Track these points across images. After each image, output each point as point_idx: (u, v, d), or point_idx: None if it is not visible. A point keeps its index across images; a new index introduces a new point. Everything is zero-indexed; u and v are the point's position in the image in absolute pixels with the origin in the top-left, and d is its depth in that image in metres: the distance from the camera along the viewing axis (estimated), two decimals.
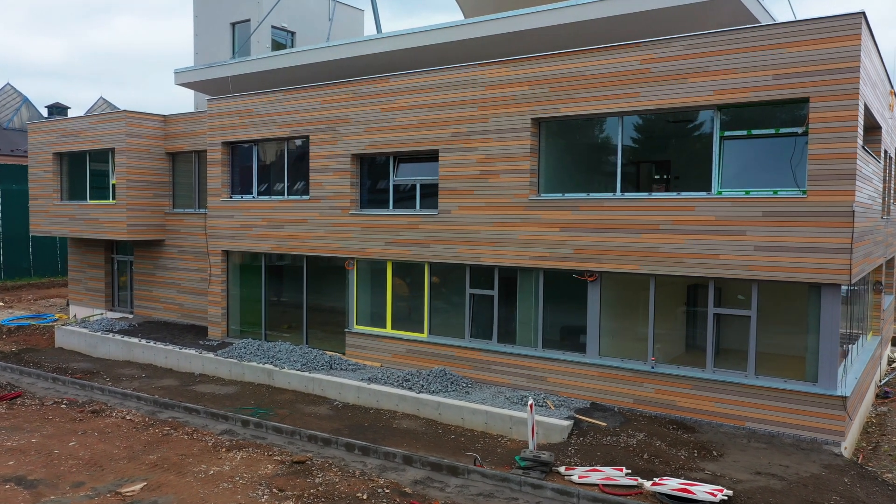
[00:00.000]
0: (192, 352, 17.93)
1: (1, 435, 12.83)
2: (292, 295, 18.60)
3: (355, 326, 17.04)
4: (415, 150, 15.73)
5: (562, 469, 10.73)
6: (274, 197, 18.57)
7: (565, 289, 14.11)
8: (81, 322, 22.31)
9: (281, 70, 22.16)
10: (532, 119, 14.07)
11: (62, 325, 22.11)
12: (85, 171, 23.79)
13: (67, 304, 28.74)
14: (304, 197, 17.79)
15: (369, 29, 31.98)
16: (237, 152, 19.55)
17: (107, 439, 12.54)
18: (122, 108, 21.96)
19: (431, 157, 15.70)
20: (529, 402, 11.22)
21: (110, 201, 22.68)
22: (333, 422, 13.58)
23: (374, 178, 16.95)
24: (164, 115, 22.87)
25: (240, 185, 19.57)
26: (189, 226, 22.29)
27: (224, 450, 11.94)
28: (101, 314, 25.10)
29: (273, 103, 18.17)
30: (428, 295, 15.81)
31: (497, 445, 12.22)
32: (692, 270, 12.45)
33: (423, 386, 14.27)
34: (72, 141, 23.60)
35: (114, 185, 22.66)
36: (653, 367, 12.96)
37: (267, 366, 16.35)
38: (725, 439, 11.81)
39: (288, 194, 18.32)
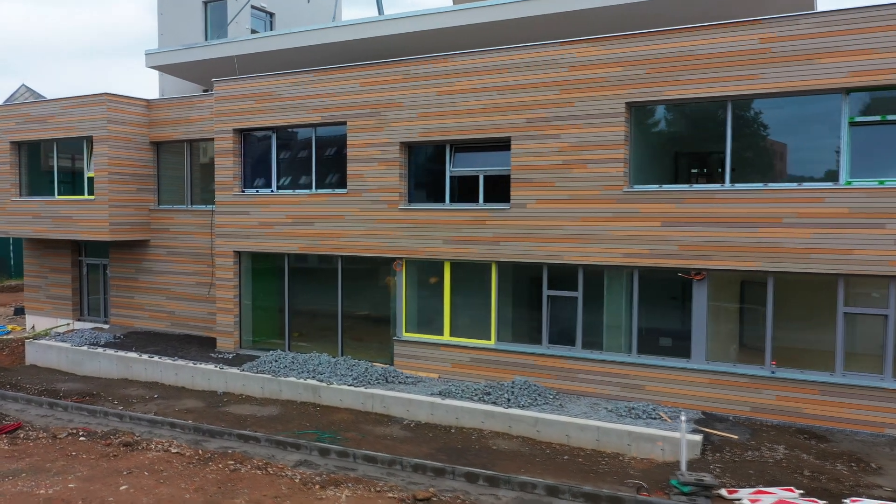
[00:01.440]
0: (212, 367, 15.73)
1: (25, 480, 10.50)
2: (323, 300, 16.66)
3: (405, 334, 15.33)
4: (480, 137, 14.19)
5: (723, 491, 9.55)
6: (300, 190, 16.56)
7: (664, 288, 12.97)
8: (57, 335, 19.51)
9: (277, 52, 20.12)
10: (626, 103, 12.82)
11: (34, 338, 19.25)
12: (52, 163, 20.88)
13: (17, 313, 25.48)
14: (340, 190, 15.90)
15: (345, 14, 30.02)
16: (251, 140, 17.40)
17: (165, 480, 10.43)
18: (96, 92, 19.32)
19: (500, 145, 14.21)
20: (682, 418, 9.97)
21: (86, 197, 19.94)
22: (417, 445, 11.91)
23: (424, 169, 15.30)
24: (147, 100, 20.31)
25: (255, 177, 17.43)
26: (180, 224, 19.87)
27: (318, 487, 10.10)
28: (68, 324, 22.23)
29: (300, 85, 16.18)
30: (496, 298, 14.32)
31: (623, 466, 10.92)
32: (819, 267, 11.53)
33: (509, 400, 12.79)
34: (36, 128, 20.65)
35: (90, 178, 19.95)
36: (773, 372, 11.97)
37: (310, 381, 14.43)
38: (868, 448, 10.94)
39: (317, 187, 16.37)
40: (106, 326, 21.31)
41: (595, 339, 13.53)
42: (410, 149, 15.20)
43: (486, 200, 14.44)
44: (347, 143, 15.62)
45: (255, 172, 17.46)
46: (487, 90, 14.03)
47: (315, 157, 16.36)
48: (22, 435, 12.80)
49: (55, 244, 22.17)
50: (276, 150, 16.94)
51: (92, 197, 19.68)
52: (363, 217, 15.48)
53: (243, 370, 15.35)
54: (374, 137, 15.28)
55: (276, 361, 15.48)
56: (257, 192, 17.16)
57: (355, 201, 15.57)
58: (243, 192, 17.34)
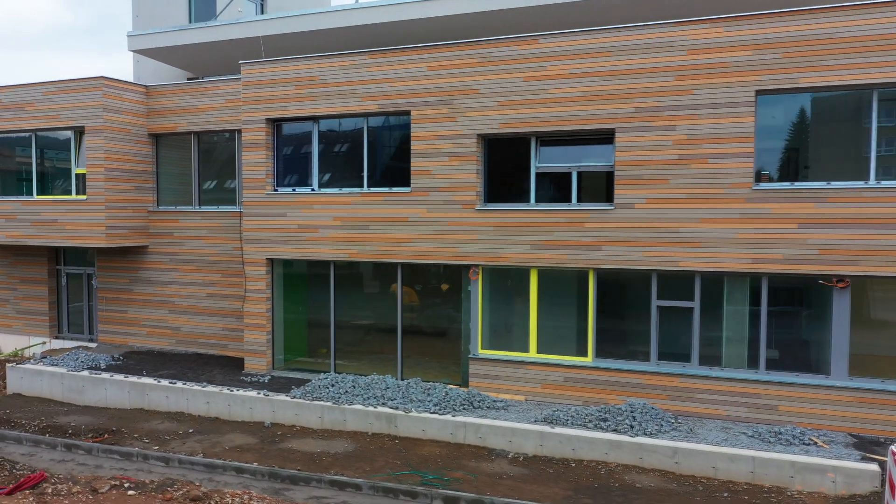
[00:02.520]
0: (253, 394, 13.54)
1: None
2: (376, 314, 14.69)
3: (481, 351, 13.56)
4: (575, 129, 12.59)
5: None
6: (348, 189, 14.53)
7: (797, 297, 11.69)
8: (43, 357, 16.72)
9: (298, 35, 18.01)
10: (756, 91, 11.48)
11: (17, 362, 16.43)
12: (30, 158, 18.03)
13: None
14: (401, 189, 13.98)
15: None
16: (285, 132, 15.24)
17: None
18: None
19: (598, 138, 12.66)
20: (892, 449, 8.63)
21: (75, 197, 17.25)
22: (545, 484, 10.21)
23: (501, 164, 13.58)
24: (145, 86, 17.77)
25: (289, 174, 15.28)
26: (187, 227, 17.45)
27: None
28: (43, 343, 19.35)
29: (351, 68, 14.16)
30: (594, 309, 12.75)
31: (795, 502, 9.53)
32: None
33: (632, 426, 11.24)
34: (10, 117, 17.77)
35: (80, 175, 17.26)
36: None
37: (383, 409, 12.49)
38: None
39: (369, 185, 14.39)
40: (93, 345, 18.60)
41: (712, 354, 12.15)
42: (487, 142, 13.45)
43: (579, 200, 12.85)
44: (411, 135, 13.72)
45: (289, 169, 15.31)
46: (586, 76, 12.44)
47: (367, 152, 14.37)
48: (50, 490, 10.35)
49: (28, 251, 19.25)
50: (318, 142, 14.84)
51: (83, 197, 17.00)
52: (431, 219, 13.62)
53: (295, 397, 13.24)
54: (445, 129, 13.45)
55: (333, 386, 13.42)
56: (294, 190, 15.01)
57: (421, 201, 13.70)
58: (276, 190, 15.16)
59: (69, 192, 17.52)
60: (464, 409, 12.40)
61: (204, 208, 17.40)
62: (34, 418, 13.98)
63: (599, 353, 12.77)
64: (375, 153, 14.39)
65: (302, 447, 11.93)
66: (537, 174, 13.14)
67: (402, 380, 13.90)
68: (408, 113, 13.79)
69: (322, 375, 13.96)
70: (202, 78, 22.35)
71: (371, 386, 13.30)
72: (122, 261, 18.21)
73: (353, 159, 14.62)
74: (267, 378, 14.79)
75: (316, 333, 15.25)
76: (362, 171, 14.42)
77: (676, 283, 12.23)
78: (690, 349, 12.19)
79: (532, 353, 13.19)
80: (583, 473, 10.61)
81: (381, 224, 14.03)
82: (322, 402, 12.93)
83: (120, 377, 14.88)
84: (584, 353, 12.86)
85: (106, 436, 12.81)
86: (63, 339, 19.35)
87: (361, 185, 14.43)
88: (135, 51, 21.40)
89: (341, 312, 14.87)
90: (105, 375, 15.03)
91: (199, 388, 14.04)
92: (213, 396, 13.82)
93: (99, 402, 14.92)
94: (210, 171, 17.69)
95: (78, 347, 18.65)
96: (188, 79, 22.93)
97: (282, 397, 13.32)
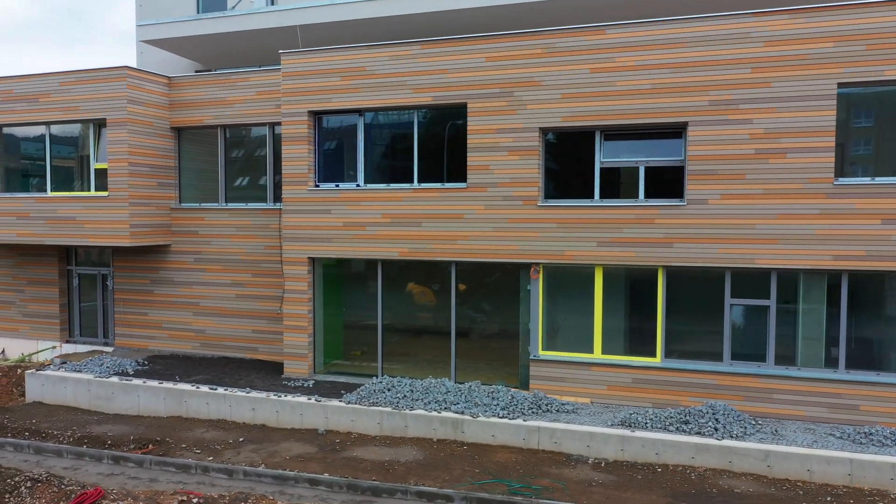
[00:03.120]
0: (303, 399, 12.89)
1: None
2: (426, 314, 14.14)
3: (541, 352, 13.10)
4: (644, 122, 12.21)
5: None
6: (396, 185, 13.94)
7: (876, 294, 11.46)
8: (65, 364, 15.81)
9: (338, 24, 17.38)
10: (838, 84, 11.22)
11: (36, 369, 15.49)
12: (44, 152, 17.07)
13: None
14: (456, 185, 13.45)
15: None
16: (325, 125, 14.59)
17: None
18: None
19: (666, 131, 12.29)
20: None
21: (95, 193, 16.36)
22: (639, 491, 9.79)
23: (561, 159, 13.14)
24: (168, 77, 16.94)
25: (331, 169, 14.64)
26: (212, 225, 16.67)
27: None
28: (54, 348, 18.38)
29: (402, 59, 13.59)
30: (662, 309, 12.37)
31: None
32: None
33: (716, 429, 10.88)
34: (22, 109, 16.80)
35: (99, 170, 16.39)
36: None
37: (448, 414, 11.95)
38: None
39: (420, 181, 13.83)
40: (109, 349, 17.70)
41: (788, 353, 11.87)
42: (547, 135, 12.98)
43: (646, 196, 12.47)
44: (468, 128, 13.20)
45: (331, 164, 14.67)
46: (656, 67, 12.06)
47: (417, 146, 13.80)
48: None
49: (36, 250, 18.25)
50: (365, 136, 14.23)
51: (105, 193, 16.12)
52: (489, 216, 13.12)
53: (350, 402, 12.63)
54: (504, 122, 12.96)
55: (389, 390, 12.84)
56: (337, 186, 14.38)
57: (479, 197, 13.18)
58: (317, 186, 14.50)
59: (87, 189, 16.61)
60: (532, 412, 11.93)
61: (231, 205, 16.64)
62: (65, 428, 13.14)
63: (668, 354, 12.40)
64: (426, 147, 13.83)
65: (368, 455, 11.33)
66: (601, 169, 12.72)
67: (457, 383, 13.36)
68: (464, 106, 13.26)
69: (377, 379, 13.36)
70: (213, 70, 21.53)
71: (429, 390, 12.74)
72: (142, 260, 17.35)
73: (401, 154, 14.04)
74: (310, 382, 14.13)
75: (360, 335, 14.64)
76: (412, 167, 13.85)
77: (751, 280, 11.92)
78: (765, 348, 11.89)
79: (596, 354, 12.78)
80: (673, 479, 10.22)
81: (435, 221, 13.49)
82: (381, 408, 12.34)
83: (154, 383, 14.09)
84: (653, 354, 12.48)
85: (151, 447, 12.05)
86: (75, 343, 18.40)
87: (411, 181, 13.86)
88: (145, 41, 20.51)
89: (389, 314, 14.28)
90: (137, 381, 14.22)
91: (243, 394, 13.34)
92: (259, 403, 13.13)
93: (130, 410, 14.12)
94: (238, 167, 16.94)
95: (92, 352, 17.75)
96: (196, 71, 22.08)
97: (335, 403, 12.70)
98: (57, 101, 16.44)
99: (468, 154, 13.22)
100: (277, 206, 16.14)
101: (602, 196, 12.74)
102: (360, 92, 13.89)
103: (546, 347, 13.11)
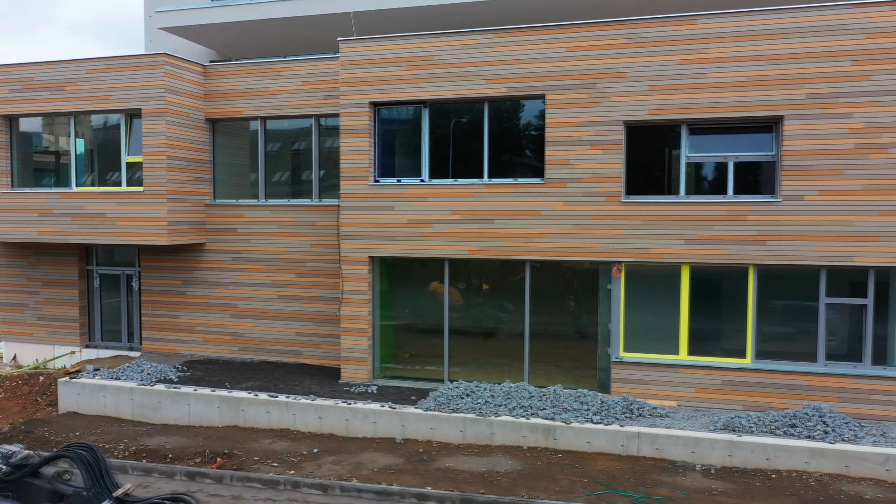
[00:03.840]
0: (375, 406, 12.20)
1: None
2: (497, 316, 13.56)
3: (623, 354, 12.63)
4: (735, 116, 11.82)
5: None
6: (464, 180, 13.31)
7: None
8: (97, 370, 14.78)
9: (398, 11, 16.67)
10: None
11: (70, 377, 14.42)
12: (71, 144, 15.97)
13: None
14: (532, 180, 12.89)
15: None
16: (384, 117, 13.88)
17: None
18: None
19: (757, 126, 11.93)
20: None
21: (127, 188, 15.35)
22: (766, 500, 9.38)
23: (644, 153, 12.69)
24: (203, 65, 16.00)
25: (391, 163, 13.95)
26: (252, 223, 15.81)
27: None
28: (73, 353, 17.27)
29: (473, 48, 12.96)
30: (753, 308, 12.01)
31: None
32: None
33: (825, 432, 10.55)
34: (46, 98, 15.67)
35: (131, 164, 15.39)
36: None
37: (538, 420, 11.39)
38: None
39: (490, 176, 13.22)
40: (135, 354, 16.68)
41: (883, 353, 11.61)
42: (634, 129, 12.51)
43: (735, 192, 12.09)
44: (546, 121, 12.64)
45: (391, 158, 13.97)
46: (749, 59, 11.68)
47: (488, 139, 13.19)
48: None
49: (53, 249, 17.10)
50: (430, 129, 13.55)
51: (140, 188, 15.12)
52: (569, 212, 12.59)
53: (429, 409, 11.97)
54: (586, 115, 12.44)
55: (469, 396, 12.22)
56: (399, 181, 13.68)
57: (558, 193, 12.64)
58: (377, 181, 13.79)
59: (119, 184, 15.57)
60: (626, 417, 11.46)
61: (272, 202, 15.79)
62: (114, 441, 12.21)
63: (759, 355, 12.04)
64: (496, 141, 13.22)
65: (461, 466, 10.70)
66: (687, 164, 12.29)
67: (538, 387, 12.79)
68: (541, 97, 12.70)
69: (452, 384, 12.73)
70: (234, 60, 20.57)
71: (511, 395, 12.17)
72: (174, 260, 16.37)
73: (469, 147, 13.41)
74: (373, 388, 13.42)
75: (427, 338, 13.98)
76: (482, 161, 13.22)
77: (848, 279, 11.63)
78: (862, 348, 11.61)
79: (682, 356, 12.36)
80: (793, 485, 9.84)
81: (510, 218, 12.90)
82: (463, 415, 11.72)
83: (206, 391, 13.22)
84: (742, 355, 12.11)
85: (220, 460, 11.21)
86: (95, 347, 17.31)
87: (480, 176, 13.24)
88: (162, 28, 19.47)
89: (455, 315, 13.64)
90: (187, 389, 13.32)
91: (308, 401, 12.56)
92: (326, 411, 12.38)
93: (179, 420, 13.22)
94: (279, 162, 16.10)
95: (116, 357, 16.73)
96: (211, 61, 21.06)
97: (411, 410, 12.03)
98: (85, 90, 15.37)
99: (546, 148, 12.66)
100: (323, 202, 15.37)
101: (687, 192, 12.31)
102: (428, 82, 13.21)
103: (630, 349, 12.63)
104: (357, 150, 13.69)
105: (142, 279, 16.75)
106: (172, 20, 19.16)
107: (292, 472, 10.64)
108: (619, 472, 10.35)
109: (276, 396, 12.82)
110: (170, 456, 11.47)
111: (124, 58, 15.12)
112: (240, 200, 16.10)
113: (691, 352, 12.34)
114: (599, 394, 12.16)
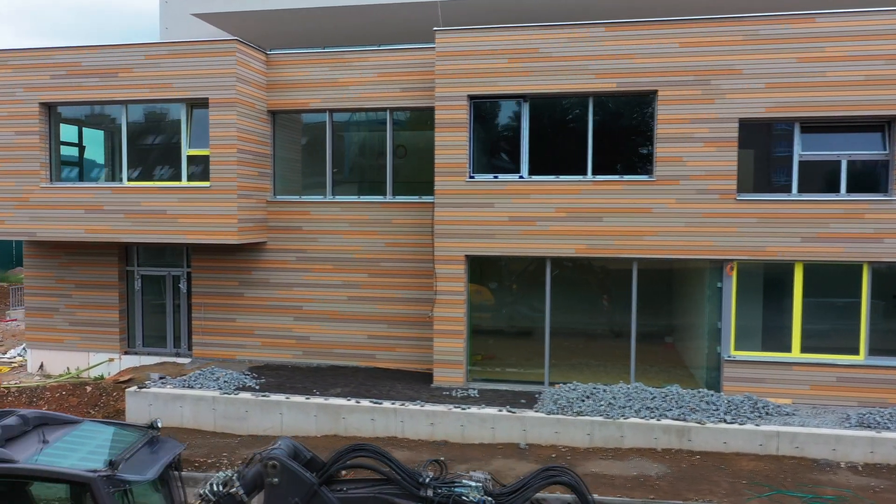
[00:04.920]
0: (493, 411, 11.75)
1: None
2: (602, 316, 13.29)
3: (734, 352, 12.57)
4: (850, 114, 11.94)
5: None
6: (566, 177, 12.99)
7: None
8: (162, 378, 13.74)
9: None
10: None
11: (139, 386, 13.34)
12: (119, 137, 14.82)
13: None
14: (641, 177, 12.69)
15: None
16: (482, 111, 13.42)
17: None
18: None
19: (869, 125, 12.07)
20: None
21: (190, 183, 14.37)
22: None
23: (757, 151, 12.67)
24: (266, 53, 15.13)
25: (486, 159, 13.49)
26: (320, 220, 15.06)
27: None
28: (111, 360, 16.10)
29: (581, 42, 12.65)
30: (867, 305, 12.14)
31: None
32: None
33: None
34: (94, 84, 14.49)
35: (193, 157, 14.42)
36: None
37: (669, 422, 11.19)
38: None
39: (595, 173, 12.94)
40: (184, 360, 15.65)
41: None
42: (744, 126, 12.45)
43: (848, 191, 12.19)
44: (658, 117, 12.45)
45: (487, 153, 13.52)
46: (869, 59, 11.80)
47: (592, 135, 12.90)
48: None
49: (90, 248, 15.84)
50: (530, 124, 13.16)
51: (206, 183, 14.15)
52: (681, 210, 12.44)
53: (551, 412, 11.61)
54: (699, 112, 12.32)
55: (589, 398, 11.91)
56: (496, 178, 13.25)
57: (669, 190, 12.47)
58: (472, 178, 13.31)
59: (178, 178, 14.54)
60: (756, 416, 11.38)
61: (340, 198, 15.06)
62: (212, 454, 11.40)
63: (872, 351, 12.19)
64: (600, 136, 12.95)
65: (608, 471, 10.39)
66: (799, 162, 12.33)
67: (634, 384, 12.58)
68: (652, 93, 12.51)
69: (569, 386, 12.39)
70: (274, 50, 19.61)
71: (632, 396, 11.92)
72: (230, 259, 15.41)
73: (571, 143, 13.10)
74: (473, 391, 12.94)
75: (523, 340, 13.59)
76: (585, 157, 12.93)
77: None
78: None
79: (795, 353, 12.39)
80: None
81: (618, 216, 12.65)
82: (590, 418, 11.40)
83: (300, 398, 12.46)
84: (855, 352, 12.23)
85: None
86: (136, 353, 16.15)
87: (584, 173, 12.94)
88: (195, 14, 18.36)
89: (557, 316, 13.28)
90: (277, 397, 12.53)
91: (417, 407, 12.00)
92: (439, 416, 11.84)
93: (270, 430, 12.39)
94: (346, 156, 15.39)
95: (162, 364, 15.68)
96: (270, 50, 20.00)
97: (531, 413, 11.64)
98: (141, 77, 14.28)
99: (657, 145, 12.48)
100: (397, 199, 14.78)
101: (799, 190, 12.34)
102: (530, 76, 12.82)
103: (738, 347, 12.58)
104: (453, 145, 13.17)
105: (192, 280, 15.70)
106: (209, 6, 18.10)
107: None
108: (769, 472, 10.24)
109: (381, 403, 12.19)
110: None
111: (190, 43, 14.14)
112: (303, 197, 15.30)
113: (804, 349, 12.38)
114: (722, 393, 12.05)
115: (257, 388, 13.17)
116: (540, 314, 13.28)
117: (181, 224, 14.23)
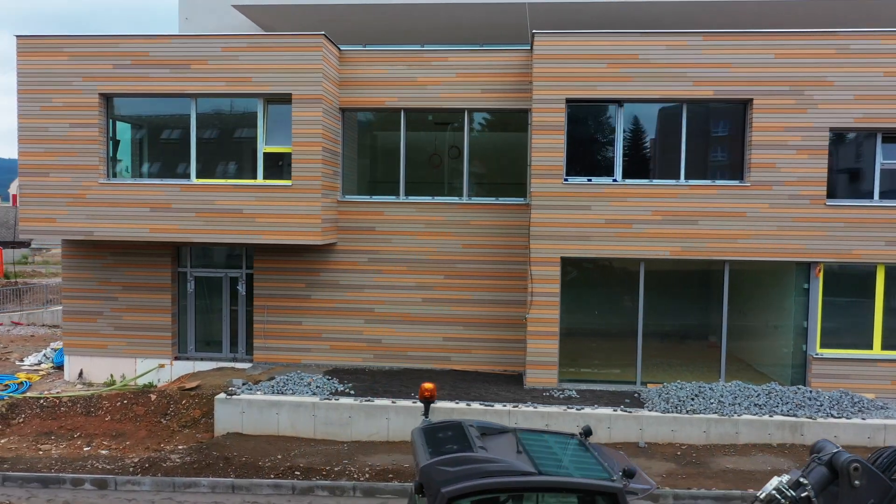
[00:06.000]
0: (608, 411, 11.92)
1: None
2: (692, 316, 13.68)
3: (819, 350, 13.20)
4: None
5: None
6: (660, 181, 13.32)
7: None
8: (245, 385, 13.17)
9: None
10: None
11: (227, 393, 12.72)
12: (188, 131, 14.12)
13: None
14: (733, 182, 13.15)
15: None
16: (577, 114, 13.56)
17: None
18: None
19: None
20: None
21: (269, 182, 13.88)
22: None
23: (841, 159, 13.36)
24: (339, 49, 14.77)
25: (577, 162, 13.63)
26: (393, 221, 14.84)
27: None
28: (161, 367, 15.36)
29: (680, 49, 12.99)
30: None
31: None
32: None
33: None
34: (161, 76, 13.76)
35: (269, 154, 13.93)
36: None
37: (781, 417, 11.68)
38: None
39: (686, 178, 13.31)
40: (242, 365, 15.09)
41: None
42: (835, 136, 13.10)
43: None
44: (753, 125, 12.93)
45: (579, 156, 13.66)
46: None
47: (686, 140, 13.27)
48: None
49: (138, 249, 15.00)
50: (623, 128, 13.41)
51: (288, 182, 13.68)
52: (773, 214, 12.96)
53: (666, 411, 11.89)
54: (793, 120, 12.88)
55: (698, 396, 12.24)
56: (589, 181, 13.42)
57: (762, 195, 12.97)
58: (566, 181, 13.43)
59: (253, 176, 13.98)
60: (857, 410, 12.01)
61: (413, 198, 14.86)
62: (331, 462, 11.07)
63: None
64: (693, 142, 13.34)
65: (741, 466, 10.74)
66: (881, 170, 13.08)
67: (726, 382, 13.03)
68: (748, 101, 12.98)
69: (676, 385, 12.68)
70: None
71: (737, 394, 12.34)
72: (296, 261, 14.93)
73: (663, 147, 13.45)
74: (571, 392, 13.05)
75: (613, 341, 13.81)
76: (678, 162, 13.28)
77: None
78: None
79: (876, 350, 13.14)
80: None
81: (713, 219, 13.06)
82: (705, 415, 11.75)
83: (407, 402, 12.25)
84: None
85: None
86: (188, 359, 15.44)
87: (676, 177, 13.29)
88: (237, 6, 17.67)
89: (649, 317, 13.56)
90: (383, 401, 12.28)
91: (531, 408, 12.03)
92: (554, 417, 11.90)
93: (375, 436, 12.14)
94: (418, 157, 15.19)
95: (219, 369, 15.06)
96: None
97: (647, 413, 11.88)
98: (216, 70, 13.67)
99: (752, 151, 12.95)
100: (473, 200, 14.73)
101: (881, 196, 13.10)
102: (628, 81, 13.06)
103: (823, 345, 13.22)
104: (549, 148, 13.25)
105: (255, 282, 15.12)
106: None
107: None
108: None
109: (492, 405, 12.14)
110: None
111: (272, 36, 13.68)
112: (375, 197, 15.02)
113: (884, 346, 13.14)
114: (822, 389, 12.63)
115: (352, 392, 12.84)
116: (632, 315, 13.53)
117: (259, 224, 13.70)
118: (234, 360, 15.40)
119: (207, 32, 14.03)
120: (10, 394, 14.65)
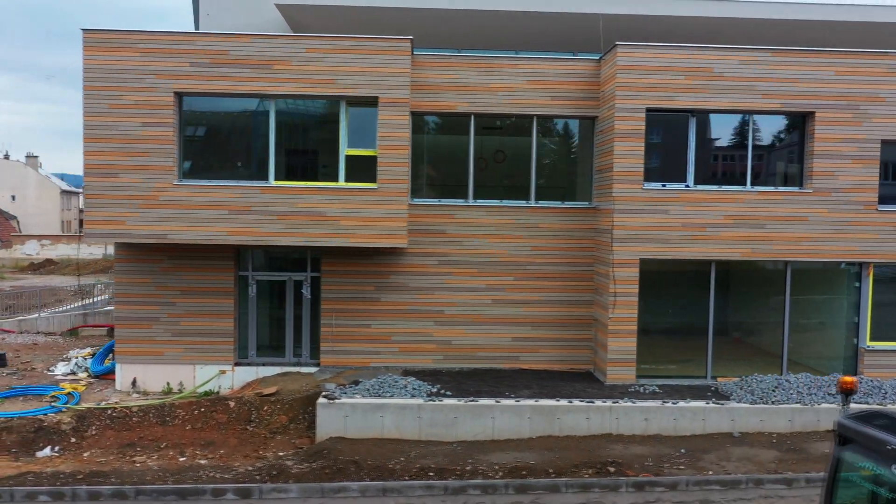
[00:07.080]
0: (700, 404, 12.66)
1: None
2: (756, 314, 14.60)
3: (869, 343, 14.42)
4: None
5: None
6: (729, 187, 14.21)
7: None
8: (338, 388, 13.09)
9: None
10: None
11: (327, 397, 12.60)
12: (266, 132, 13.88)
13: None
14: (794, 189, 14.17)
15: None
16: (651, 123, 14.23)
17: None
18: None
19: None
20: None
21: (353, 185, 13.86)
22: None
23: (885, 167, 14.62)
24: (412, 52, 14.85)
25: (654, 168, 14.32)
26: (463, 224, 15.08)
27: None
28: (222, 373, 15.02)
29: (750, 64, 13.87)
30: None
31: None
32: None
33: None
34: (240, 76, 13.51)
35: (352, 157, 13.92)
36: None
37: (855, 405, 12.72)
38: None
39: (752, 184, 14.24)
40: (308, 370, 14.95)
41: None
42: (884, 147, 14.35)
43: None
44: (815, 136, 13.98)
45: (653, 162, 14.34)
46: None
47: (752, 149, 14.19)
48: None
49: (198, 252, 14.53)
50: (696, 137, 14.19)
51: (373, 185, 13.69)
52: (832, 219, 14.07)
53: (753, 403, 12.74)
54: (849, 132, 14.01)
55: (778, 388, 13.17)
56: (664, 186, 14.14)
57: (822, 201, 14.05)
58: (643, 187, 14.10)
59: (334, 178, 13.90)
60: None
61: (481, 202, 15.14)
62: (452, 462, 11.26)
63: None
64: (757, 151, 14.29)
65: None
66: None
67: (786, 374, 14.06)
68: (810, 114, 14.01)
69: (757, 377, 13.57)
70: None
71: (809, 385, 13.35)
72: (365, 264, 14.92)
73: (731, 155, 14.33)
74: (652, 387, 13.70)
75: (687, 339, 14.58)
76: (745, 169, 14.20)
77: None
78: None
79: None
80: None
81: (778, 223, 14.03)
82: (789, 405, 12.68)
83: (511, 402, 12.58)
84: None
85: (612, 469, 10.94)
86: (249, 364, 15.12)
87: (743, 183, 14.21)
88: (280, 4, 17.39)
89: (720, 316, 14.40)
90: (487, 401, 12.56)
91: (630, 404, 12.61)
92: (652, 412, 12.54)
93: (481, 435, 12.39)
94: (481, 161, 15.46)
95: (284, 374, 14.88)
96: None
97: (736, 404, 12.70)
98: (300, 71, 13.52)
99: (814, 160, 14.00)
100: (540, 203, 15.18)
101: None
102: (702, 93, 13.84)
103: (873, 339, 14.46)
104: (630, 155, 13.86)
105: (322, 285, 14.98)
106: None
107: (696, 473, 10.80)
108: None
109: (593, 402, 12.63)
110: (550, 471, 10.90)
111: (358, 39, 13.60)
112: (443, 200, 15.20)
113: None
114: (883, 379, 13.81)
115: (449, 393, 13.02)
116: (702, 314, 14.34)
117: (343, 227, 13.65)
118: (298, 364, 15.20)
119: (290, 33, 13.80)
120: (67, 405, 13.91)
